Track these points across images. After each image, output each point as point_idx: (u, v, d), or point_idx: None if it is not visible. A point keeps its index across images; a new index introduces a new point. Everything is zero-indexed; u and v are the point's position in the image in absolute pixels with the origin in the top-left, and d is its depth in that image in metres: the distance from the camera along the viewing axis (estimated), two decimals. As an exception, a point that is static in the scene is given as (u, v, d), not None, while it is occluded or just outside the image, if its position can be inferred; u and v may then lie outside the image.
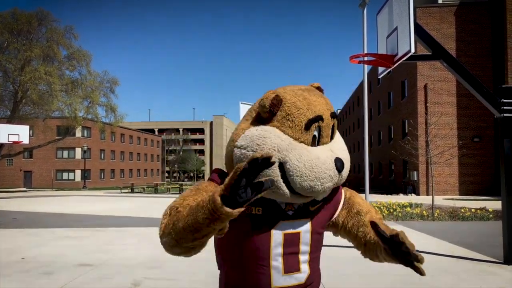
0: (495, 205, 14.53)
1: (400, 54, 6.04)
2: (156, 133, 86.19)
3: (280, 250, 1.39)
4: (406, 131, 27.98)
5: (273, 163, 1.09)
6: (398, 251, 1.42)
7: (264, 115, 1.34)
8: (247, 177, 1.04)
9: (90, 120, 39.98)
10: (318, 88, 1.54)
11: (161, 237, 1.26)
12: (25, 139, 18.62)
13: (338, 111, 70.82)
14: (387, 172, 33.79)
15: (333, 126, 1.42)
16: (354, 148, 50.54)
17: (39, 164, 50.43)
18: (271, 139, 1.30)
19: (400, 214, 11.80)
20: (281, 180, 1.29)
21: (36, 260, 6.24)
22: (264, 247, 1.38)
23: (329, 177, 1.33)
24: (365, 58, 7.30)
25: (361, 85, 39.87)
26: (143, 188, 34.19)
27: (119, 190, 35.15)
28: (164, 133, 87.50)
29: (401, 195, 24.94)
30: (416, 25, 5.86)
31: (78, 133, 48.28)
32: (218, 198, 1.05)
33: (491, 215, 11.46)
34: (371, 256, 1.56)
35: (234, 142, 1.36)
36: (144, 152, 72.35)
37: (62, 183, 49.39)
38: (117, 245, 7.51)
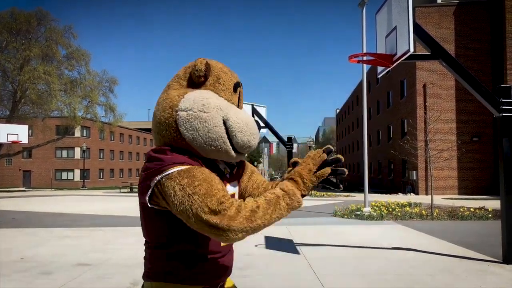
0: (494, 204, 14.53)
1: (399, 54, 6.04)
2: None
3: None
4: (405, 130, 28.00)
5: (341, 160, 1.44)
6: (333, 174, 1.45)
7: (198, 79, 1.41)
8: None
9: (89, 120, 39.95)
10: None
11: (231, 236, 1.22)
12: (24, 139, 18.59)
13: (337, 110, 70.78)
14: (386, 172, 33.81)
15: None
16: (353, 147, 50.55)
17: (38, 163, 50.40)
18: (213, 99, 1.37)
19: (399, 214, 11.81)
20: (226, 137, 1.36)
21: (35, 260, 6.23)
22: None
23: (257, 133, 1.45)
24: (364, 58, 7.30)
25: (360, 84, 39.87)
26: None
27: (118, 190, 35.13)
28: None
29: (400, 195, 24.96)
30: (415, 24, 5.86)
31: (77, 133, 48.23)
32: (301, 199, 1.32)
33: (490, 215, 11.46)
34: None
35: (175, 107, 1.37)
36: (143, 151, 72.31)
37: (61, 182, 49.35)
38: (116, 245, 7.51)
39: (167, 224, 1.36)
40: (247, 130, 1.39)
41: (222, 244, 1.43)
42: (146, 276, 1.45)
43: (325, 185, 1.42)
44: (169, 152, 1.33)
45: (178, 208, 1.23)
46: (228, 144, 1.37)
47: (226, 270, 1.51)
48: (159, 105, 1.43)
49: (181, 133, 1.34)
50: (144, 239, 1.47)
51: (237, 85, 1.47)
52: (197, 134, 1.33)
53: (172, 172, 1.26)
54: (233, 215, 1.20)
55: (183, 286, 1.39)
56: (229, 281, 1.66)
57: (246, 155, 1.54)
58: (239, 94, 1.49)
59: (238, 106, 1.48)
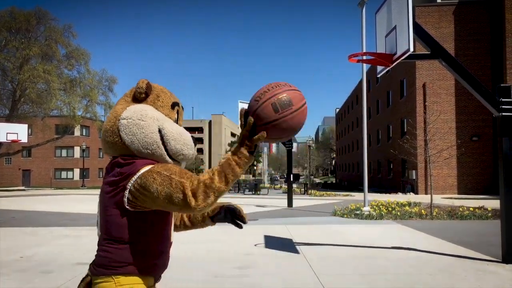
0: (494, 204, 14.53)
1: (399, 53, 6.04)
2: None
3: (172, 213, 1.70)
4: (404, 130, 28.01)
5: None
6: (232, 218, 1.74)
7: (140, 96, 1.64)
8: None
9: (89, 119, 39.92)
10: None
11: (199, 205, 1.39)
12: (24, 138, 18.59)
13: (337, 110, 70.78)
14: (386, 171, 33.83)
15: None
16: (353, 146, 50.55)
17: (38, 163, 50.39)
18: (150, 111, 1.61)
19: (398, 213, 11.81)
20: (160, 142, 1.58)
21: (35, 259, 6.23)
22: (168, 213, 1.64)
23: (191, 145, 1.67)
24: (364, 57, 7.29)
25: (360, 84, 39.81)
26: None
27: (118, 189, 35.06)
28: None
29: (400, 194, 24.98)
30: (415, 24, 5.85)
31: (77, 132, 48.23)
32: (247, 154, 1.42)
33: (489, 214, 11.47)
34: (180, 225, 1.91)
35: (118, 116, 1.60)
36: (143, 151, 72.39)
37: (61, 182, 49.35)
38: (115, 244, 7.51)
39: (135, 224, 1.53)
40: (181, 139, 1.62)
41: (171, 240, 1.69)
42: (104, 268, 1.54)
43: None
44: (139, 158, 1.56)
45: (159, 190, 1.40)
46: (163, 149, 1.59)
47: (167, 264, 1.74)
48: (107, 117, 1.68)
49: (121, 137, 1.56)
50: (103, 236, 1.58)
51: (175, 104, 1.71)
52: (134, 138, 1.55)
53: (147, 169, 1.48)
54: (203, 183, 1.39)
55: (141, 276, 1.56)
56: None
57: (183, 164, 1.74)
58: (177, 113, 1.72)
59: (176, 122, 1.70)
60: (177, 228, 1.89)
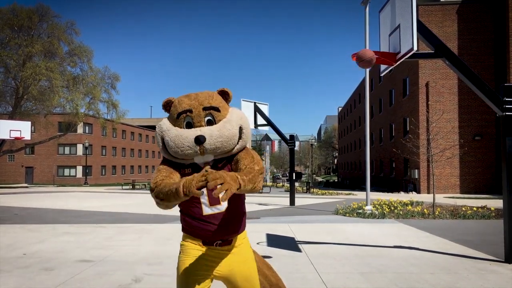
0: (496, 203, 14.50)
1: (402, 52, 6.02)
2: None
3: (204, 191, 2.08)
4: (407, 129, 27.95)
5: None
6: None
7: (165, 111, 2.34)
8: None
9: (92, 117, 40.02)
10: (222, 92, 2.33)
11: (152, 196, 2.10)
12: (27, 135, 18.62)
13: (340, 108, 70.70)
14: (388, 170, 33.77)
15: (211, 114, 2.20)
16: (355, 145, 50.50)
17: (41, 160, 50.52)
18: (161, 125, 2.24)
19: (401, 212, 11.80)
20: (165, 149, 2.20)
21: (37, 256, 6.25)
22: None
23: (188, 147, 2.11)
24: (367, 56, 7.25)
25: (363, 83, 39.71)
26: (144, 185, 34.22)
27: (120, 187, 35.21)
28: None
29: (402, 193, 24.94)
30: (419, 23, 5.83)
31: (80, 129, 48.33)
32: (182, 193, 1.85)
33: (492, 214, 11.44)
34: None
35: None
36: (145, 148, 72.40)
37: (64, 179, 49.48)
38: (117, 241, 7.53)
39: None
40: (173, 145, 2.13)
41: (204, 213, 2.15)
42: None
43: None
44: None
45: None
46: (168, 153, 2.20)
47: (211, 233, 2.16)
48: None
49: (158, 143, 2.27)
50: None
51: (181, 113, 2.20)
52: (159, 145, 2.25)
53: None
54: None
55: (189, 236, 2.25)
56: (242, 246, 2.33)
57: (198, 158, 2.18)
58: (187, 118, 2.19)
59: (192, 126, 2.18)
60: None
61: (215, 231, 2.16)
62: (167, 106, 2.30)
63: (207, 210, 2.16)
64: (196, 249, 2.21)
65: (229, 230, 2.21)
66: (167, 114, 2.33)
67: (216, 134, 2.12)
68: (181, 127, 2.18)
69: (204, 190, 2.04)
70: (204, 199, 2.16)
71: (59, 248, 6.89)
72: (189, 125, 2.19)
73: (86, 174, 47.02)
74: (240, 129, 2.22)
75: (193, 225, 2.19)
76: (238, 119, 2.24)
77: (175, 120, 2.21)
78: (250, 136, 2.35)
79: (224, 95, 2.33)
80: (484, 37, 25.18)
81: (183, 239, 2.29)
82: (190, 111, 2.19)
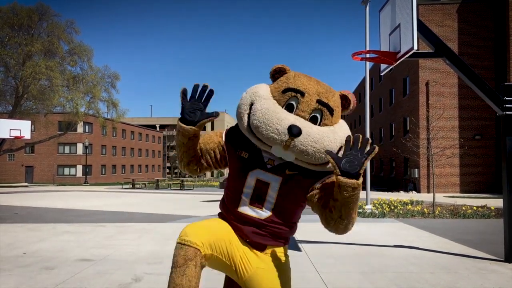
0: (497, 202, 14.50)
1: (402, 52, 6.01)
2: (158, 129, 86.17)
3: (251, 187, 1.84)
4: (407, 128, 27.95)
5: (211, 90, 1.80)
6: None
7: (270, 78, 1.94)
8: (194, 101, 1.79)
9: (92, 116, 40.02)
10: (344, 96, 1.95)
11: None
12: (27, 134, 18.63)
13: (340, 108, 70.44)
14: (388, 170, 33.78)
15: (321, 112, 1.79)
16: (355, 145, 50.40)
17: (41, 159, 50.52)
18: (257, 88, 1.84)
19: (401, 212, 11.80)
20: (246, 115, 1.79)
21: (37, 255, 6.25)
22: (241, 181, 1.86)
23: (276, 130, 1.69)
24: (367, 55, 7.28)
25: (363, 82, 39.70)
26: (145, 184, 34.23)
27: (120, 186, 35.21)
28: (166, 129, 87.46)
29: (402, 193, 24.95)
30: (419, 22, 5.82)
31: (80, 129, 48.34)
32: (178, 118, 1.77)
33: (492, 213, 11.44)
34: (327, 218, 1.88)
35: None
36: (145, 148, 72.39)
37: (64, 178, 49.50)
38: (118, 241, 7.53)
39: None
40: (261, 117, 1.74)
41: (239, 209, 1.86)
42: None
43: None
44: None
45: None
46: (245, 118, 1.83)
47: (241, 233, 1.88)
48: None
49: (241, 106, 1.91)
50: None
51: (290, 90, 1.80)
52: (242, 109, 1.90)
53: None
54: None
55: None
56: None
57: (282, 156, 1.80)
58: (297, 101, 1.79)
59: (295, 112, 1.78)
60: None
61: (244, 232, 1.86)
62: (278, 73, 1.90)
63: (244, 208, 1.84)
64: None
65: (262, 238, 1.87)
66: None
67: (315, 137, 1.72)
68: (280, 105, 1.78)
69: (251, 185, 1.82)
70: (246, 193, 1.84)
71: (60, 247, 6.89)
72: (290, 109, 1.78)
73: (86, 173, 47.01)
74: (340, 148, 1.79)
75: (227, 214, 1.92)
76: (344, 136, 1.81)
77: (279, 93, 1.81)
78: None
79: (344, 101, 1.96)
80: (484, 36, 25.17)
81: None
82: (302, 93, 1.78)
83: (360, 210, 11.90)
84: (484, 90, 5.97)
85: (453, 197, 20.35)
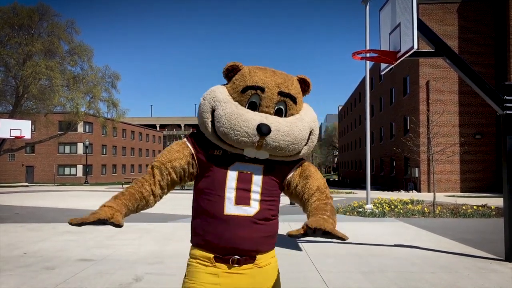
0: (497, 202, 14.51)
1: (403, 51, 6.01)
2: (158, 128, 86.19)
3: (234, 184, 1.69)
4: (407, 127, 27.94)
5: (117, 224, 1.67)
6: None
7: (225, 78, 1.80)
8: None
9: (92, 115, 40.01)
10: (302, 80, 1.83)
11: None
12: (27, 134, 18.64)
13: (340, 107, 70.58)
14: (389, 169, 33.76)
15: (284, 103, 1.72)
16: (356, 144, 50.47)
17: (41, 159, 50.53)
18: (215, 92, 1.73)
19: (401, 211, 11.80)
20: (210, 123, 1.70)
21: (38, 255, 6.26)
22: (221, 181, 1.70)
23: (245, 133, 1.62)
24: (368, 55, 7.28)
25: (363, 81, 39.70)
26: (145, 184, 34.15)
27: (120, 185, 35.23)
28: (166, 129, 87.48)
29: (402, 192, 24.94)
30: (419, 21, 5.82)
31: (80, 128, 48.36)
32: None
33: (493, 212, 11.44)
34: None
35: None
36: (145, 147, 72.41)
37: (64, 178, 49.51)
38: (118, 241, 7.53)
39: None
40: (227, 123, 1.65)
41: (225, 211, 1.67)
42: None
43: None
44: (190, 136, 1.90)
45: None
46: (210, 128, 1.72)
47: (228, 240, 1.66)
48: None
49: (202, 113, 1.80)
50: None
51: (249, 88, 1.69)
52: (203, 117, 1.78)
53: None
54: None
55: (198, 250, 1.73)
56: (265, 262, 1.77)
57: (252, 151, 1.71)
58: (259, 98, 1.70)
59: (258, 110, 1.70)
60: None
61: (234, 240, 1.66)
62: (231, 71, 1.76)
63: (230, 209, 1.67)
64: (206, 272, 1.68)
65: (254, 243, 1.70)
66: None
67: (284, 130, 1.67)
68: (242, 105, 1.69)
69: (232, 183, 1.69)
70: (230, 194, 1.68)
71: (60, 247, 6.90)
72: (253, 107, 1.70)
73: (86, 173, 47.02)
74: (310, 133, 1.78)
75: (208, 229, 1.68)
76: (311, 121, 1.79)
77: (238, 93, 1.70)
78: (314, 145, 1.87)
79: (304, 84, 1.84)
80: (485, 36, 25.16)
81: (191, 256, 1.76)
82: (262, 89, 1.69)
83: (361, 210, 11.90)
84: (484, 89, 5.97)
85: (453, 196, 20.34)
